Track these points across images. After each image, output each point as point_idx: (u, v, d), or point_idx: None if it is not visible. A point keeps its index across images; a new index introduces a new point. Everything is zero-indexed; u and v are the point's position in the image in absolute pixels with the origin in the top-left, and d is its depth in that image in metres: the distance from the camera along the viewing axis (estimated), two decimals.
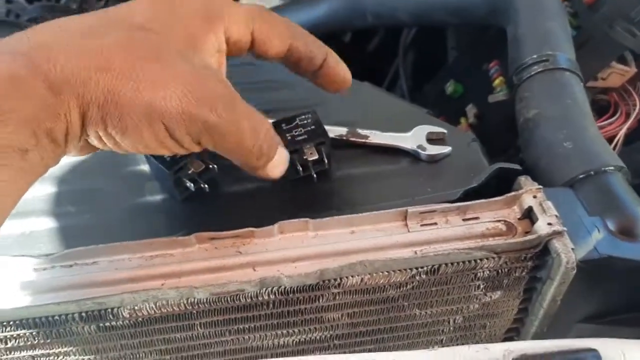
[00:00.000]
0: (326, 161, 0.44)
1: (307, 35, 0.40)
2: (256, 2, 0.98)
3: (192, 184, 0.43)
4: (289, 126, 0.43)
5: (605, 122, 0.68)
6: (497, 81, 0.70)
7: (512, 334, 0.46)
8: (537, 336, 0.43)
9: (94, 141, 0.33)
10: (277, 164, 0.39)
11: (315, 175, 0.45)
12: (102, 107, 0.31)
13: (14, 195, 0.30)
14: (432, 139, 0.48)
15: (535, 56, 0.51)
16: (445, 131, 0.49)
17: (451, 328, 0.43)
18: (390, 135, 0.48)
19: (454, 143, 0.48)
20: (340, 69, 0.42)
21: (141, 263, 0.37)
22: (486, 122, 0.69)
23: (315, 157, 0.43)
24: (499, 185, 0.43)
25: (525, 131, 0.48)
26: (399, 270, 0.37)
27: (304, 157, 0.43)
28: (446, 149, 0.47)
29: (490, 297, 0.41)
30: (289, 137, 0.43)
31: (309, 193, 0.45)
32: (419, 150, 0.47)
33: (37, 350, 0.37)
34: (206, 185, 0.44)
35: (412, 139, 0.48)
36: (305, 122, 0.43)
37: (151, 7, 0.34)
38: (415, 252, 0.38)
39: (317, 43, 0.41)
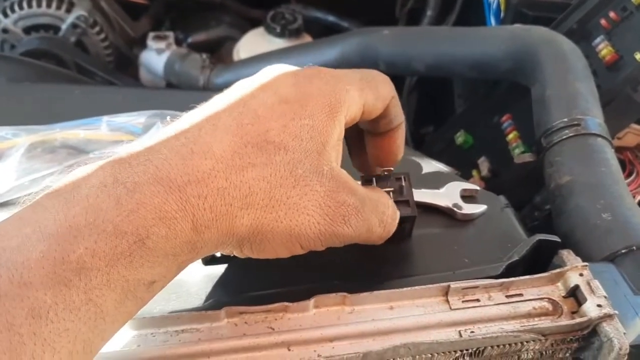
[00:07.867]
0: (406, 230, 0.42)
1: (395, 93, 0.38)
2: (263, 44, 0.97)
3: None
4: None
5: None
6: (510, 136, 0.69)
7: None
8: None
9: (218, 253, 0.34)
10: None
11: None
12: (241, 239, 0.31)
13: (123, 322, 0.29)
14: (465, 196, 0.46)
15: (565, 119, 0.50)
16: (478, 188, 0.47)
17: None
18: (423, 192, 0.46)
19: (486, 204, 0.46)
20: (402, 143, 0.40)
21: (167, 339, 0.34)
22: (501, 178, 0.68)
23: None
24: (532, 254, 0.42)
25: (557, 198, 0.47)
26: (443, 352, 0.35)
27: None
28: (481, 207, 0.46)
29: None
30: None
31: (344, 259, 0.42)
32: (455, 209, 0.45)
33: None
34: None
35: (446, 196, 0.46)
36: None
37: (281, 119, 0.32)
38: (461, 334, 0.35)
39: (400, 106, 0.39)
